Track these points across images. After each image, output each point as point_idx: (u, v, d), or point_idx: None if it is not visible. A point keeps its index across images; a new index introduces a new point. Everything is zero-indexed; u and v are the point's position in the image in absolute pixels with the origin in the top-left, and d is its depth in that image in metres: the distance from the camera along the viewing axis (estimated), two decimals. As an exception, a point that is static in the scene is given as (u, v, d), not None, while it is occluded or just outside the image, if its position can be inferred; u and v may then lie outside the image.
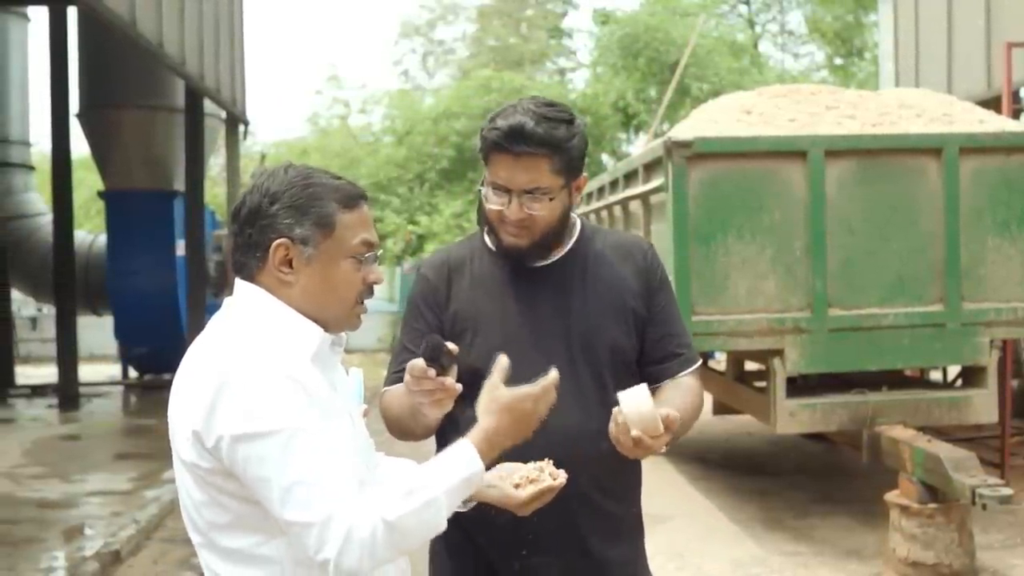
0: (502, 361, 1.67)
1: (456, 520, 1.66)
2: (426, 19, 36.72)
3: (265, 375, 1.47)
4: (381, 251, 1.69)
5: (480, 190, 2.04)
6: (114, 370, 13.60)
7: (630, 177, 6.60)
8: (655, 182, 5.69)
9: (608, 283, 2.10)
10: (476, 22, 36.19)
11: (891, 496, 4.99)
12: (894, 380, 5.95)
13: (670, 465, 7.68)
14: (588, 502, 2.03)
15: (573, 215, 2.16)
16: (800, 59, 29.44)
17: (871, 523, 5.56)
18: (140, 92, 10.86)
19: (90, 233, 13.12)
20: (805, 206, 5.36)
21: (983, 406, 5.53)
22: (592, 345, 2.05)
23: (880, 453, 5.29)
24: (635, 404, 1.75)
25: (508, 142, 1.91)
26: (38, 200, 12.90)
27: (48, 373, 12.44)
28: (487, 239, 2.13)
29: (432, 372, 1.75)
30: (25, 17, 12.75)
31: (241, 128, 11.16)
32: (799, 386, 5.80)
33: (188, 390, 1.52)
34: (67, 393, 10.48)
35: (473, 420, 2.06)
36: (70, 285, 10.58)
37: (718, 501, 6.52)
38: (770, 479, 7.08)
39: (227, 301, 1.64)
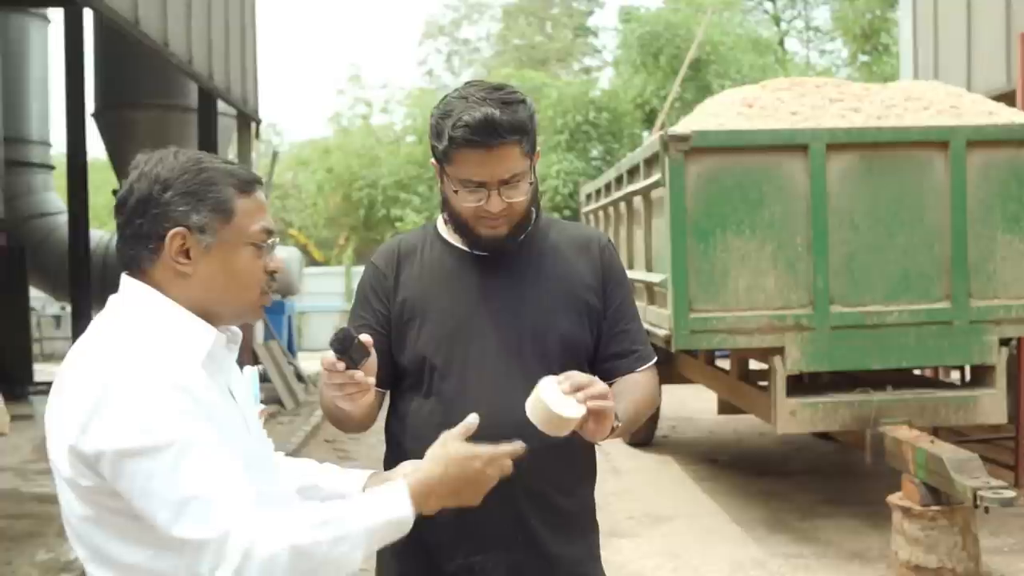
0: (470, 419, 1.59)
1: None
2: (451, 18, 36.84)
3: (150, 384, 1.38)
4: (277, 239, 1.63)
5: (453, 191, 1.92)
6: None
7: (633, 173, 6.51)
8: (654, 177, 5.60)
9: (561, 275, 2.04)
10: (501, 21, 36.22)
11: (893, 498, 4.86)
12: (904, 379, 5.82)
13: (677, 465, 7.59)
14: (537, 497, 1.96)
15: None
16: (826, 55, 29.18)
17: (877, 525, 5.44)
18: (154, 91, 10.92)
19: (108, 232, 13.19)
20: (806, 201, 5.25)
21: (991, 406, 5.39)
22: (542, 337, 1.98)
23: (883, 454, 5.16)
24: (543, 397, 1.68)
25: (481, 136, 1.83)
26: (57, 200, 13.00)
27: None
28: (443, 231, 2.07)
29: (341, 365, 1.69)
30: (45, 19, 12.87)
31: (253, 127, 11.16)
32: (806, 385, 5.69)
33: (64, 401, 1.41)
34: (82, 390, 10.55)
35: (419, 411, 2.01)
36: (86, 284, 10.64)
37: (723, 502, 6.41)
38: (778, 480, 6.95)
39: (111, 300, 1.53)
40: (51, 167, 13.23)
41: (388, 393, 2.10)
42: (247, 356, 9.90)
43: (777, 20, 28.46)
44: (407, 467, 1.75)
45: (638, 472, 7.43)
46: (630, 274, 6.92)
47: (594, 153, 21.13)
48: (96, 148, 12.08)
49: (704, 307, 5.27)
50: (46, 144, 13.13)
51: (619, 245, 7.46)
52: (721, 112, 5.68)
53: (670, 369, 7.82)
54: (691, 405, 9.56)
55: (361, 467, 1.93)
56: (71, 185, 10.46)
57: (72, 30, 10.38)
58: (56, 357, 15.87)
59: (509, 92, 1.92)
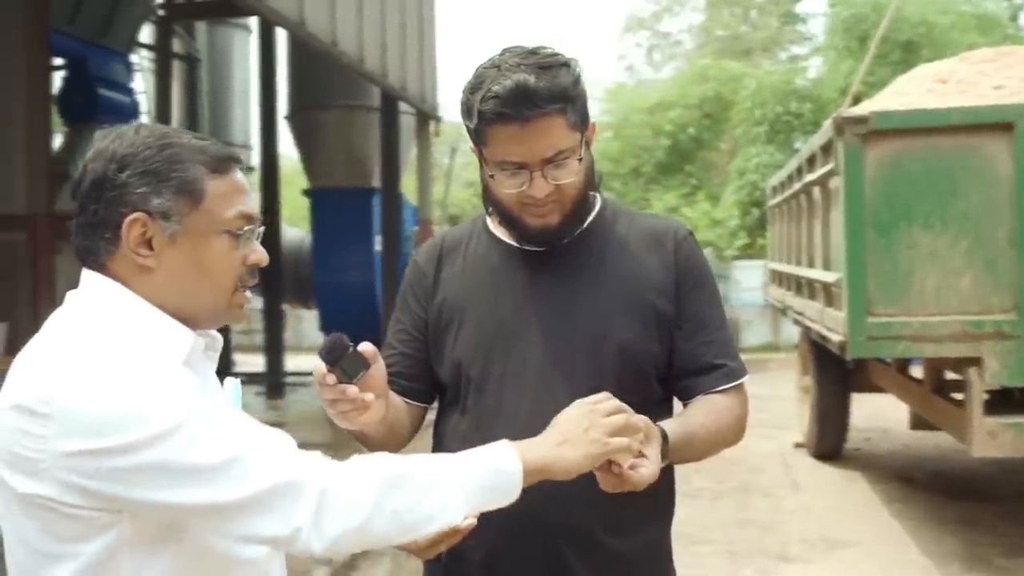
0: None
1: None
2: (651, 11, 36.21)
3: (133, 374, 1.17)
4: (263, 227, 1.38)
5: (489, 175, 1.64)
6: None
7: (812, 162, 5.93)
8: (829, 165, 5.04)
9: (625, 273, 1.69)
10: (704, 12, 35.24)
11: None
12: None
13: (865, 482, 6.88)
14: (584, 539, 1.63)
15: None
16: (1067, 32, 26.26)
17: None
18: (341, 92, 11.22)
19: (301, 231, 13.76)
20: (1011, 188, 4.53)
21: None
22: (597, 346, 1.65)
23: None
24: None
25: (513, 108, 1.53)
26: (256, 200, 13.71)
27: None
28: (491, 224, 1.77)
29: (332, 379, 1.43)
30: (247, 29, 13.59)
31: (432, 124, 11.25)
32: (1014, 401, 4.95)
33: (24, 416, 1.17)
34: (273, 382, 11.01)
35: (455, 431, 1.73)
36: (276, 280, 11.10)
37: (913, 529, 5.71)
38: (981, 507, 6.13)
39: (69, 296, 1.31)
40: (251, 168, 13.96)
41: (435, 409, 1.83)
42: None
43: (1009, -6, 25.93)
44: None
45: (820, 488, 6.80)
46: (807, 273, 6.37)
47: (797, 145, 20.01)
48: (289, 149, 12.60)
49: (885, 310, 4.67)
50: (247, 147, 13.86)
51: (799, 242, 6.86)
52: (909, 90, 5.05)
53: (861, 376, 7.16)
54: (888, 415, 8.72)
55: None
56: (264, 185, 10.95)
57: (265, 37, 10.84)
58: (260, 349, 16.77)
59: (548, 55, 1.60)
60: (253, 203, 1.37)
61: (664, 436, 1.50)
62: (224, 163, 1.33)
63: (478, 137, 1.62)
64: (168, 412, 1.15)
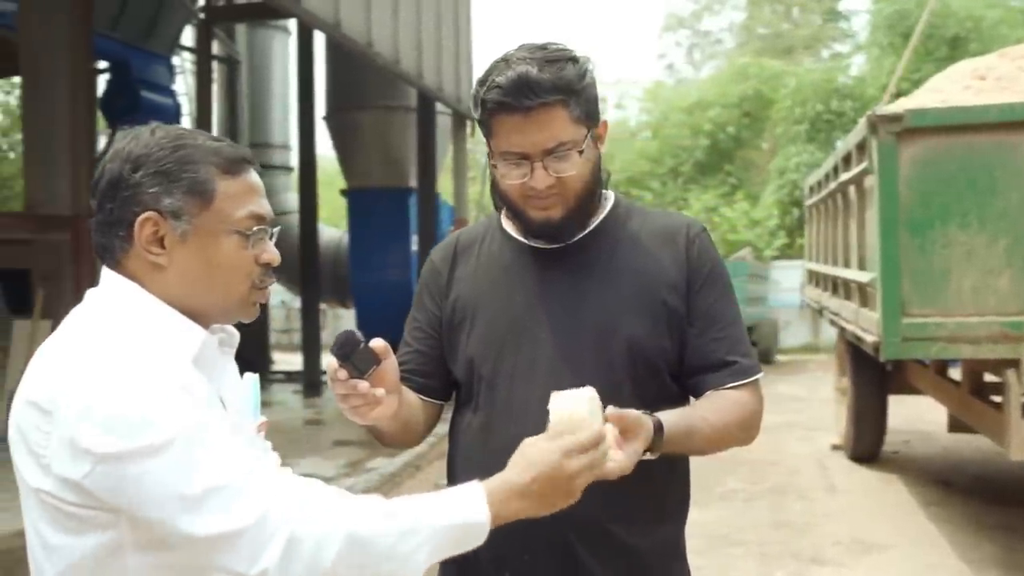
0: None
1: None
2: (691, 10, 35.97)
3: (139, 380, 1.20)
4: (277, 227, 1.41)
5: (492, 167, 1.68)
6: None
7: (847, 161, 5.86)
8: (864, 164, 4.98)
9: (636, 269, 1.69)
10: (744, 10, 34.92)
11: None
12: None
13: (902, 485, 6.79)
14: (597, 533, 1.63)
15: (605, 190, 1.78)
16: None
17: None
18: (379, 93, 11.30)
19: (339, 231, 13.88)
20: (1051, 187, 4.45)
21: None
22: (606, 342, 1.65)
23: None
24: (565, 409, 1.36)
25: (514, 97, 1.56)
26: (295, 199, 13.86)
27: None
28: (505, 222, 1.79)
29: (343, 373, 1.45)
30: (286, 31, 13.73)
31: (468, 125, 11.29)
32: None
33: (36, 412, 1.21)
34: (310, 380, 11.12)
35: (468, 428, 1.75)
36: (314, 280, 11.22)
37: (950, 533, 5.62)
38: (1021, 512, 6.02)
39: (89, 293, 1.36)
40: (290, 168, 14.11)
41: (450, 406, 1.85)
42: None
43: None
44: None
45: (856, 491, 6.72)
46: (842, 273, 6.30)
47: (838, 144, 19.79)
48: (327, 149, 12.70)
49: (920, 311, 4.61)
50: (286, 148, 14.01)
51: (835, 241, 6.79)
52: (945, 87, 4.97)
53: (899, 378, 7.07)
54: (927, 417, 8.59)
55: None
56: (302, 186, 11.07)
57: (303, 39, 10.95)
58: (298, 348, 16.97)
59: (557, 49, 1.61)
60: (266, 204, 1.39)
61: (659, 427, 1.49)
62: (237, 164, 1.35)
63: (485, 129, 1.64)
64: (160, 427, 1.17)
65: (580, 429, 1.34)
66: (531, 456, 1.32)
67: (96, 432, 1.16)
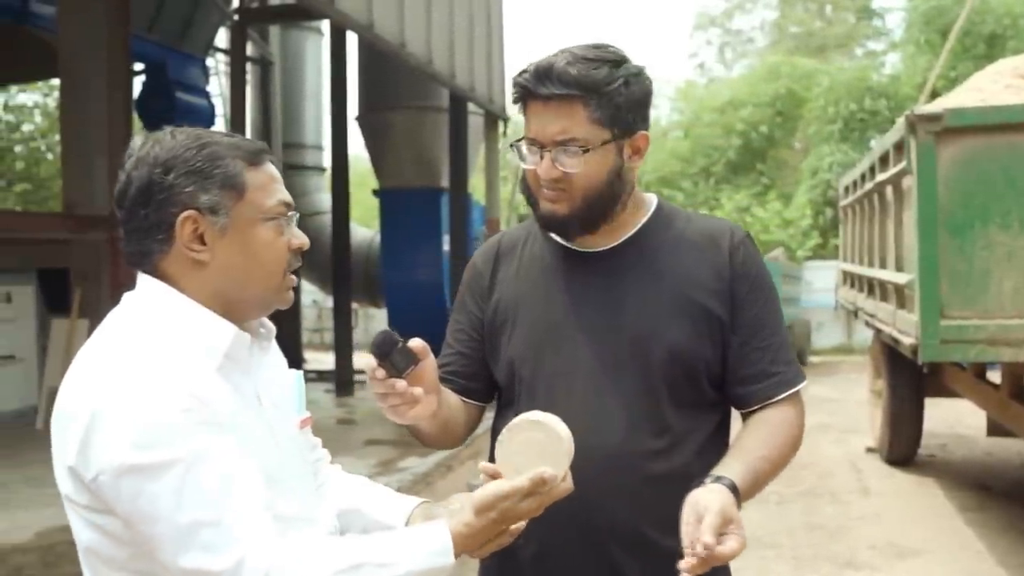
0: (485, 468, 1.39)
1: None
2: (723, 9, 35.74)
3: (154, 394, 1.23)
4: (297, 214, 1.43)
5: (510, 147, 1.72)
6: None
7: (884, 161, 5.80)
8: (902, 164, 4.92)
9: (678, 275, 1.68)
10: (777, 9, 34.64)
11: None
12: None
13: (939, 489, 6.70)
14: (632, 537, 1.62)
15: (646, 193, 1.77)
16: None
17: None
18: (411, 94, 11.33)
19: (371, 231, 13.93)
20: (1094, 188, 4.38)
21: None
22: (644, 347, 1.64)
23: None
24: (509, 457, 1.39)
25: (534, 84, 1.59)
26: (328, 200, 13.93)
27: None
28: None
29: (381, 372, 1.46)
30: (319, 32, 13.81)
31: (500, 125, 11.29)
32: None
33: (64, 414, 1.27)
34: (342, 379, 11.17)
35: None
36: (346, 279, 11.26)
37: (988, 538, 5.54)
38: (1063, 517, 5.93)
39: (125, 297, 1.38)
40: (323, 169, 14.18)
41: (492, 409, 1.86)
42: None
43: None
44: (459, 500, 1.50)
45: (891, 495, 6.64)
46: (879, 275, 6.23)
47: (872, 143, 19.58)
48: (360, 150, 12.74)
49: (959, 313, 4.56)
50: (319, 148, 14.09)
51: (871, 242, 6.71)
52: (986, 86, 4.90)
53: (936, 381, 6.97)
54: (966, 421, 8.49)
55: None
56: (335, 187, 11.12)
57: (336, 40, 11.01)
58: (330, 347, 17.08)
59: (603, 50, 1.61)
60: (286, 191, 1.42)
61: (735, 489, 1.48)
62: (257, 156, 1.38)
63: (521, 111, 1.67)
64: (161, 450, 1.21)
65: (517, 474, 1.34)
66: (472, 498, 1.34)
67: (102, 443, 1.21)
